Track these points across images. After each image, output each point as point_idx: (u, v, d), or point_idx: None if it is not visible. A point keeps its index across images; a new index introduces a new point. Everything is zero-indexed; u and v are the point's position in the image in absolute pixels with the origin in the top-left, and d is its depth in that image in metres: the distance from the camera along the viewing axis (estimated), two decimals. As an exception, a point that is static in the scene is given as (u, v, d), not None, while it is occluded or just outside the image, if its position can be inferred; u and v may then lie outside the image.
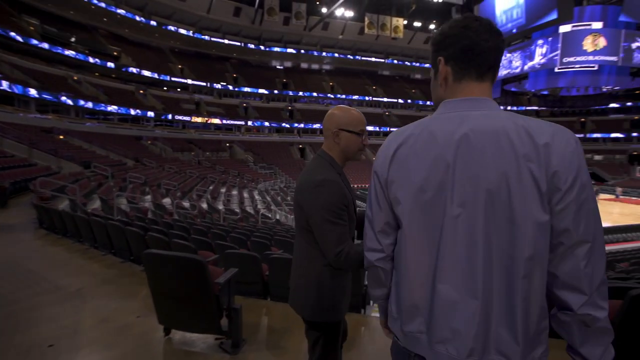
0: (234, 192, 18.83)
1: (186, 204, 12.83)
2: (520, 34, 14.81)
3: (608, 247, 13.56)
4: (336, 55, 40.12)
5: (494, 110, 0.76)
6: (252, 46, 36.31)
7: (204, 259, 1.67)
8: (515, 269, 0.69)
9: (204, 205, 13.36)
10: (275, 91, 38.32)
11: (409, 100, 43.05)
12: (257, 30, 35.41)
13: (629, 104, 35.25)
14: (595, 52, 13.79)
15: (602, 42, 13.69)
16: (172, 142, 28.48)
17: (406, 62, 42.81)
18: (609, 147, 37.38)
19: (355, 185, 25.12)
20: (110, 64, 27.75)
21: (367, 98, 40.75)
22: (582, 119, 40.33)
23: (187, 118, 31.52)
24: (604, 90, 16.83)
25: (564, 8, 12.42)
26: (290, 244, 4.90)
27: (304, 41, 38.61)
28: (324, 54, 39.56)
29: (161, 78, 31.16)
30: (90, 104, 24.12)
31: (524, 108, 42.33)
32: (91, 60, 26.40)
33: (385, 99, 41.96)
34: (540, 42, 15.00)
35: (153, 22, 29.74)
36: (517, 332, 0.69)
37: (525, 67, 15.70)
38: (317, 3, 34.81)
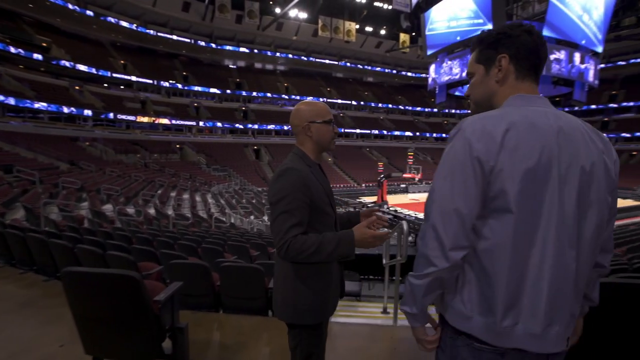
0: (185, 196, 17.82)
1: (131, 210, 11.86)
2: (463, 42, 16.05)
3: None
4: (290, 56, 39.89)
5: (559, 110, 0.87)
6: (203, 43, 34.73)
7: (139, 274, 1.42)
8: (592, 244, 0.83)
9: (151, 211, 12.44)
10: (228, 91, 37.07)
11: (362, 102, 44.15)
12: (209, 28, 34.04)
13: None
14: None
15: None
16: (114, 144, 26.26)
17: (359, 65, 43.80)
18: None
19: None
20: (38, 56, 24.74)
21: (321, 99, 41.06)
22: (515, 122, 44.99)
23: (131, 117, 29.29)
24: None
25: (498, 20, 14.05)
26: (245, 248, 4.65)
27: (258, 41, 37.88)
28: (277, 54, 39.10)
29: (100, 74, 28.53)
30: (12, 100, 21.37)
31: (465, 111, 45.69)
32: (13, 50, 23.29)
33: (339, 101, 42.61)
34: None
35: (90, 12, 27.13)
36: (580, 296, 0.87)
37: (463, 74, 16.95)
38: (271, 3, 34.37)
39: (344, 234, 1.24)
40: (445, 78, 18.33)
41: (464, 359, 0.86)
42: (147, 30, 30.81)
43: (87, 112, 26.30)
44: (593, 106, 37.42)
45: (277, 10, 34.22)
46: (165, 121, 31.26)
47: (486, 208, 0.81)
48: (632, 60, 35.41)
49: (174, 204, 15.06)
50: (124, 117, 28.73)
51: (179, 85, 34.08)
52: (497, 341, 0.82)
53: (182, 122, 32.47)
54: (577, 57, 15.28)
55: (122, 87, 31.08)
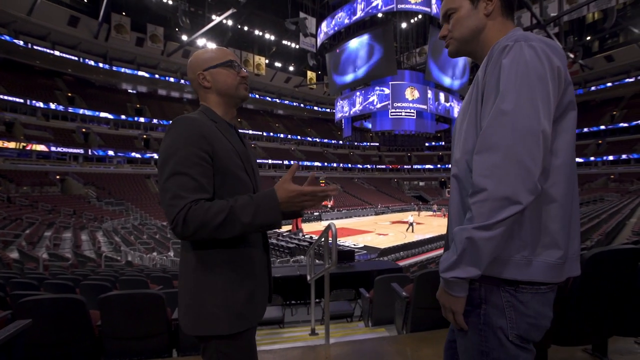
0: (67, 235, 14.83)
1: (-21, 254, 9.17)
2: (361, 80, 18.00)
3: (441, 251, 16.63)
4: (198, 84, 38.43)
5: None
6: (92, 63, 30.96)
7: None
8: None
9: (14, 255, 9.87)
10: (123, 116, 33.28)
11: (272, 134, 44.62)
12: (102, 47, 30.68)
13: (433, 143, 46.45)
14: (413, 101, 17.96)
15: (416, 93, 18.00)
16: (-39, 175, 20.75)
17: (268, 98, 44.60)
18: (427, 175, 49.84)
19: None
20: None
21: (233, 129, 40.07)
22: (409, 154, 51.32)
23: (-11, 142, 23.76)
24: (421, 131, 21.45)
25: (390, 66, 16.41)
26: (142, 282, 3.85)
27: (162, 66, 35.66)
28: (182, 81, 37.20)
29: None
30: None
31: (368, 144, 50.13)
32: None
33: (250, 132, 42.37)
34: (358, 93, 18.69)
35: None
36: None
37: (351, 112, 19.05)
38: (177, 30, 33.07)
39: (263, 194, 0.93)
40: (339, 115, 20.18)
41: (536, 311, 0.77)
42: (17, 41, 26.03)
43: None
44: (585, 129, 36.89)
45: (184, 37, 33.05)
46: (41, 148, 26.18)
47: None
48: None
49: (49, 244, 12.30)
50: (-23, 141, 23.12)
51: (61, 107, 29.32)
52: (556, 276, 0.76)
53: (65, 150, 27.65)
54: (442, 96, 18.61)
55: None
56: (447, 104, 19.24)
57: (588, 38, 32.87)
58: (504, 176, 0.69)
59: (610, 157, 34.54)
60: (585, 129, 37.44)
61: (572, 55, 24.30)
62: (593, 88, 37.38)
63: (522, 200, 0.69)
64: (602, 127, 37.27)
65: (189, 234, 0.86)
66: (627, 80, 34.92)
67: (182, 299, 0.99)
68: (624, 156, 33.54)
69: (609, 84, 36.45)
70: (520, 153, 0.69)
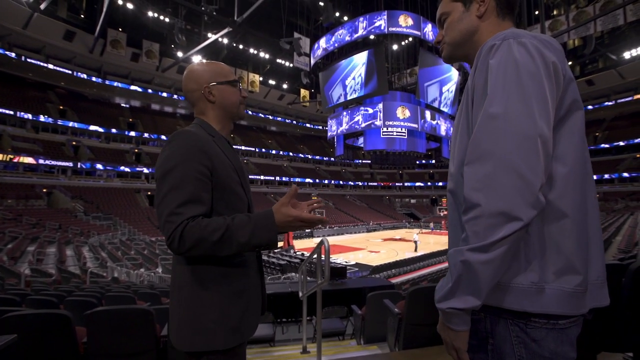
0: (51, 250, 14.40)
1: (-42, 270, 8.84)
2: (354, 99, 18.33)
3: (433, 268, 16.61)
4: (192, 100, 38.65)
5: None
6: (84, 76, 30.90)
7: None
8: None
9: (-7, 270, 9.52)
10: (114, 130, 32.99)
11: (264, 150, 44.75)
12: (97, 61, 30.78)
13: (424, 161, 47.10)
14: (404, 119, 18.29)
15: (407, 112, 18.40)
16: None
17: (260, 114, 44.96)
18: (418, 193, 50.28)
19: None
20: None
21: (226, 144, 40.09)
22: (400, 172, 51.80)
23: (-26, 154, 23.26)
24: (412, 150, 21.76)
25: (381, 85, 16.84)
26: (129, 299, 3.75)
27: (156, 81, 35.83)
28: (175, 96, 37.28)
29: None
30: None
31: (360, 161, 50.53)
32: None
33: (243, 147, 42.44)
34: (344, 113, 18.95)
35: None
36: None
37: (338, 131, 19.26)
38: (172, 47, 33.49)
39: (261, 215, 0.93)
40: (334, 131, 20.47)
41: (553, 351, 0.63)
42: (10, 53, 25.93)
43: None
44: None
45: (180, 54, 33.45)
46: (29, 160, 25.72)
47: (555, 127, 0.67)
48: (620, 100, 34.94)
49: (32, 259, 11.92)
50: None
51: (50, 120, 28.98)
52: (576, 308, 0.64)
53: (53, 163, 27.19)
54: (427, 114, 18.99)
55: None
56: (434, 122, 19.59)
57: (570, 63, 34.32)
58: (498, 188, 0.60)
59: (594, 177, 35.42)
60: (569, 150, 38.91)
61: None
62: (575, 110, 38.75)
63: (522, 216, 0.59)
64: (586, 147, 38.50)
65: (185, 251, 0.86)
66: (607, 103, 36.52)
67: (175, 314, 0.96)
68: (606, 176, 34.53)
69: (590, 107, 37.91)
70: (515, 161, 0.60)
